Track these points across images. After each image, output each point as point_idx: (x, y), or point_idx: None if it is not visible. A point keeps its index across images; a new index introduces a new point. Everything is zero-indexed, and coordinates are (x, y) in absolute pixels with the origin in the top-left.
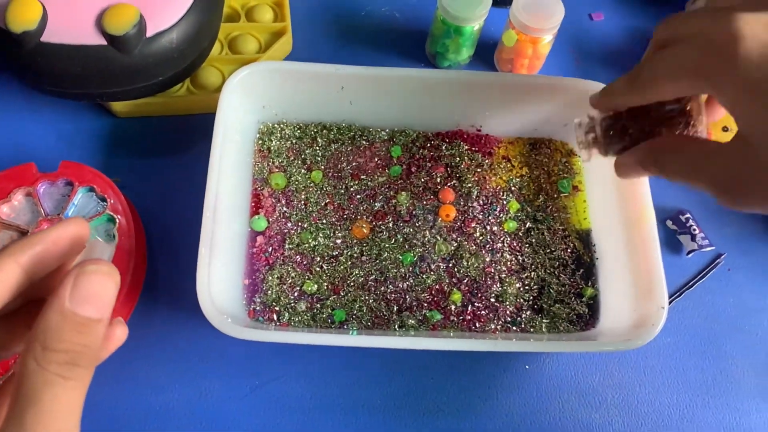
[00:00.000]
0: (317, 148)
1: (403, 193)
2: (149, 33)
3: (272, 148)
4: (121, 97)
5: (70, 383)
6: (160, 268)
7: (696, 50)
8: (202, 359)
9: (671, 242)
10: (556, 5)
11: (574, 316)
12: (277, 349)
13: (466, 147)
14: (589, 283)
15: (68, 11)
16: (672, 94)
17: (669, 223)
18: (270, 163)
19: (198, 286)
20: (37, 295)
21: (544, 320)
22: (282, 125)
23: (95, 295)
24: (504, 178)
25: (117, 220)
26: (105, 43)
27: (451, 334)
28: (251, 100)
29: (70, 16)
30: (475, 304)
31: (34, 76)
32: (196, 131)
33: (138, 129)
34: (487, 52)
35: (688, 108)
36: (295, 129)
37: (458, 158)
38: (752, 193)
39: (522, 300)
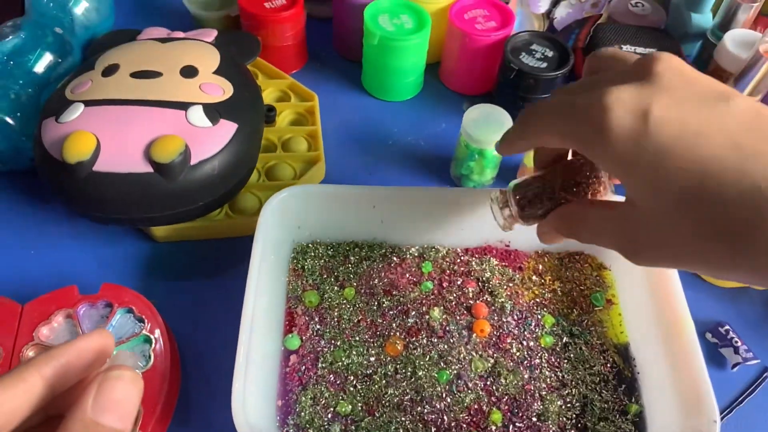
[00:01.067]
0: (350, 265)
1: (435, 308)
2: (193, 161)
3: (306, 266)
4: (164, 221)
5: None
6: (192, 390)
7: (573, 119)
8: None
9: (713, 356)
10: None
11: None
12: None
13: (496, 262)
14: (633, 399)
15: (120, 143)
16: (552, 150)
17: (709, 336)
18: (304, 282)
19: (233, 406)
20: (56, 411)
21: None
22: (315, 244)
23: (118, 403)
24: (536, 292)
25: (153, 341)
26: (152, 170)
27: None
28: (287, 221)
29: (121, 148)
30: (517, 424)
31: (84, 203)
32: (232, 255)
33: (177, 253)
34: (509, 173)
35: (588, 173)
36: (328, 248)
37: (489, 273)
38: (646, 250)
39: (565, 419)
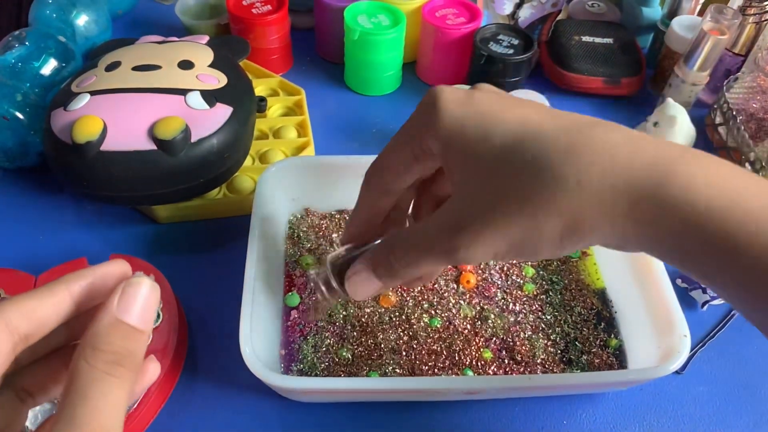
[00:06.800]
0: (341, 232)
1: None
2: (193, 139)
3: (301, 235)
4: (167, 198)
5: (116, 381)
6: (199, 347)
7: (412, 117)
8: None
9: (685, 299)
10: (541, 100)
11: (604, 366)
12: (316, 417)
13: None
14: (612, 335)
15: (125, 125)
16: (399, 165)
17: (679, 281)
18: (300, 248)
19: (242, 348)
20: (77, 337)
21: (575, 371)
22: (309, 214)
23: (139, 305)
24: None
25: (161, 301)
26: (155, 148)
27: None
28: (282, 193)
29: (126, 128)
30: (506, 360)
31: (93, 182)
32: (230, 232)
33: (179, 232)
34: None
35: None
36: (321, 218)
37: None
38: (473, 243)
39: (551, 354)
